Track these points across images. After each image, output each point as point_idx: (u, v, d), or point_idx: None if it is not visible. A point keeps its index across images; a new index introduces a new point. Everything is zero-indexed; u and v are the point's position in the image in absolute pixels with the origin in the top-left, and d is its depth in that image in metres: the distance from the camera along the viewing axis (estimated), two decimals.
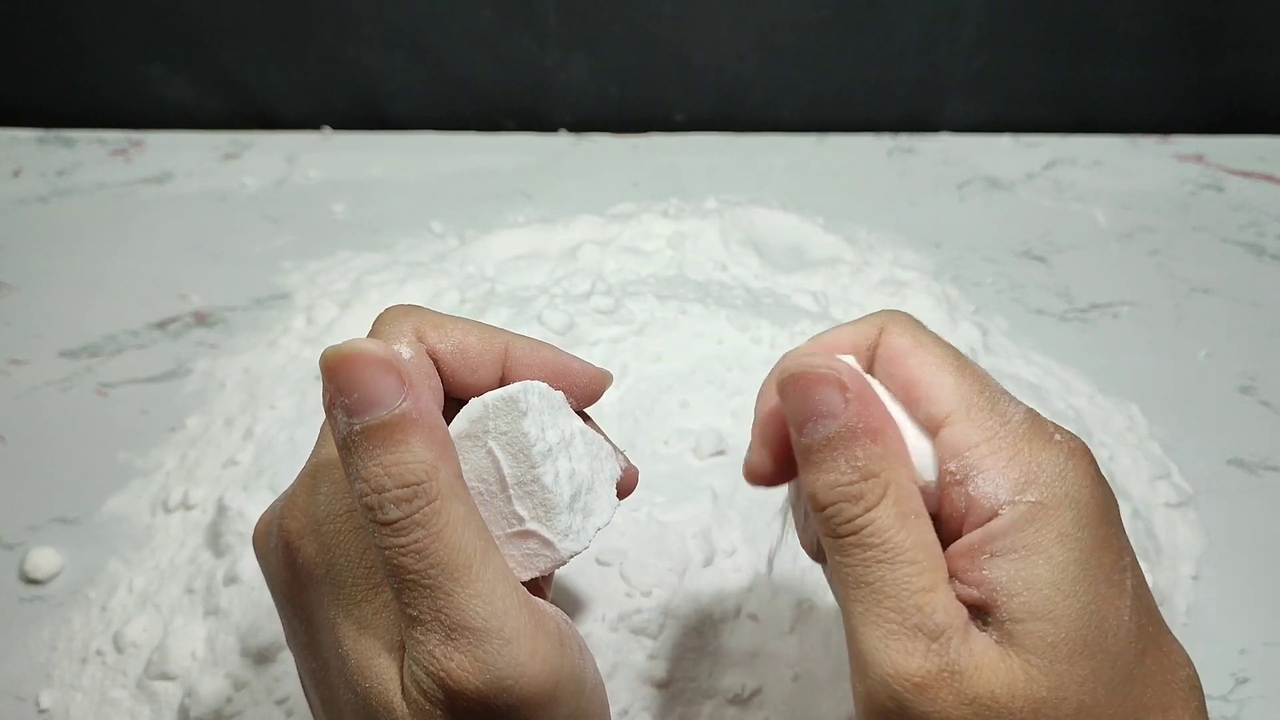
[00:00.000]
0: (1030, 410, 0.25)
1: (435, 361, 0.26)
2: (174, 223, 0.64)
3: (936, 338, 0.26)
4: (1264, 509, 0.47)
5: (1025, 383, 0.50)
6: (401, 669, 0.23)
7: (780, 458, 0.27)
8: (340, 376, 0.23)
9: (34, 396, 0.52)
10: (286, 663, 0.36)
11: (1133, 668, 0.23)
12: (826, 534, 0.24)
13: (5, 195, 0.66)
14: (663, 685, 0.34)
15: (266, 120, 0.74)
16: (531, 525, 0.25)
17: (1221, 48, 0.70)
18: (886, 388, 0.26)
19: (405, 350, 0.26)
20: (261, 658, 0.36)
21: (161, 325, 0.57)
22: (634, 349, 0.46)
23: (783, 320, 0.48)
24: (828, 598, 0.36)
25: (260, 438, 0.46)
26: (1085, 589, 0.22)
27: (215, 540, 0.42)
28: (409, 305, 0.27)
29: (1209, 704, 0.30)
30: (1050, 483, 0.23)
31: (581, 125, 0.74)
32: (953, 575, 0.23)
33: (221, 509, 0.42)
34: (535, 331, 0.46)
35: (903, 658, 0.22)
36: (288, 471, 0.43)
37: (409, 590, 0.22)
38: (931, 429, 0.25)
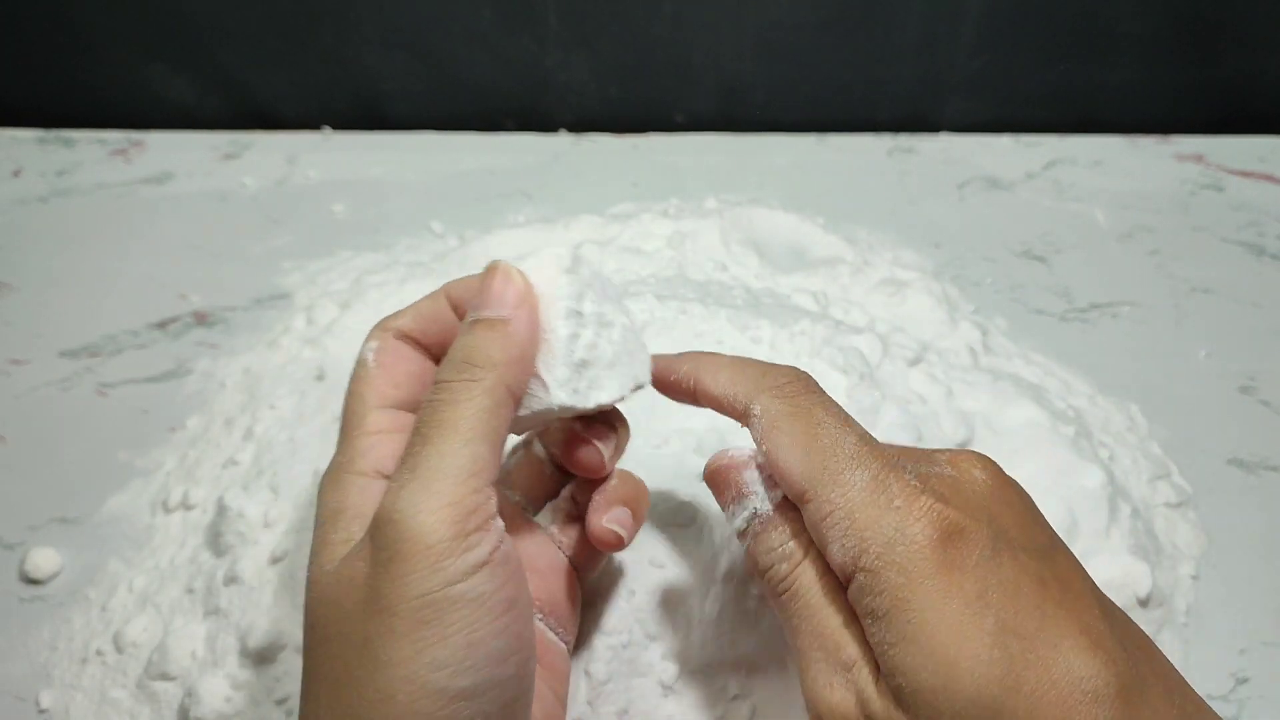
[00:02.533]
0: (876, 479, 0.26)
1: (409, 336, 0.31)
2: (174, 223, 0.64)
3: (786, 410, 0.28)
4: (1264, 509, 0.46)
5: (1025, 383, 0.50)
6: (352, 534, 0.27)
7: None
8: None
9: (34, 396, 0.52)
10: (286, 663, 0.36)
11: (1007, 700, 0.23)
12: (770, 592, 0.28)
13: (5, 195, 0.66)
14: (668, 688, 0.34)
15: (266, 120, 0.74)
16: (536, 367, 0.28)
17: (1221, 48, 0.70)
18: None
19: (372, 344, 0.31)
20: (261, 658, 0.36)
21: (161, 325, 0.57)
22: None
23: (783, 320, 0.48)
24: None
25: (260, 438, 0.46)
26: (934, 642, 0.24)
27: (215, 540, 0.42)
28: (383, 320, 0.32)
29: (1211, 704, 0.30)
30: (880, 554, 0.25)
31: (581, 125, 0.74)
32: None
33: (221, 509, 0.42)
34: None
35: (828, 691, 0.26)
36: (288, 471, 0.43)
37: (410, 442, 0.26)
38: (802, 505, 0.28)
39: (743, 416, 0.29)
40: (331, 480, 0.28)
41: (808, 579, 0.27)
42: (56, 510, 0.46)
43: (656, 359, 0.32)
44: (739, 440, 0.32)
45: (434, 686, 0.24)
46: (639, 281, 0.53)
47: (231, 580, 0.39)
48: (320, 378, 0.49)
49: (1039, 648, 0.24)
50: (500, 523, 0.26)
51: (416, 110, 0.74)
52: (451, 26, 0.70)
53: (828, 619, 0.26)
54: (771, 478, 0.28)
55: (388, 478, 0.27)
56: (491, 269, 0.29)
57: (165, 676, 0.38)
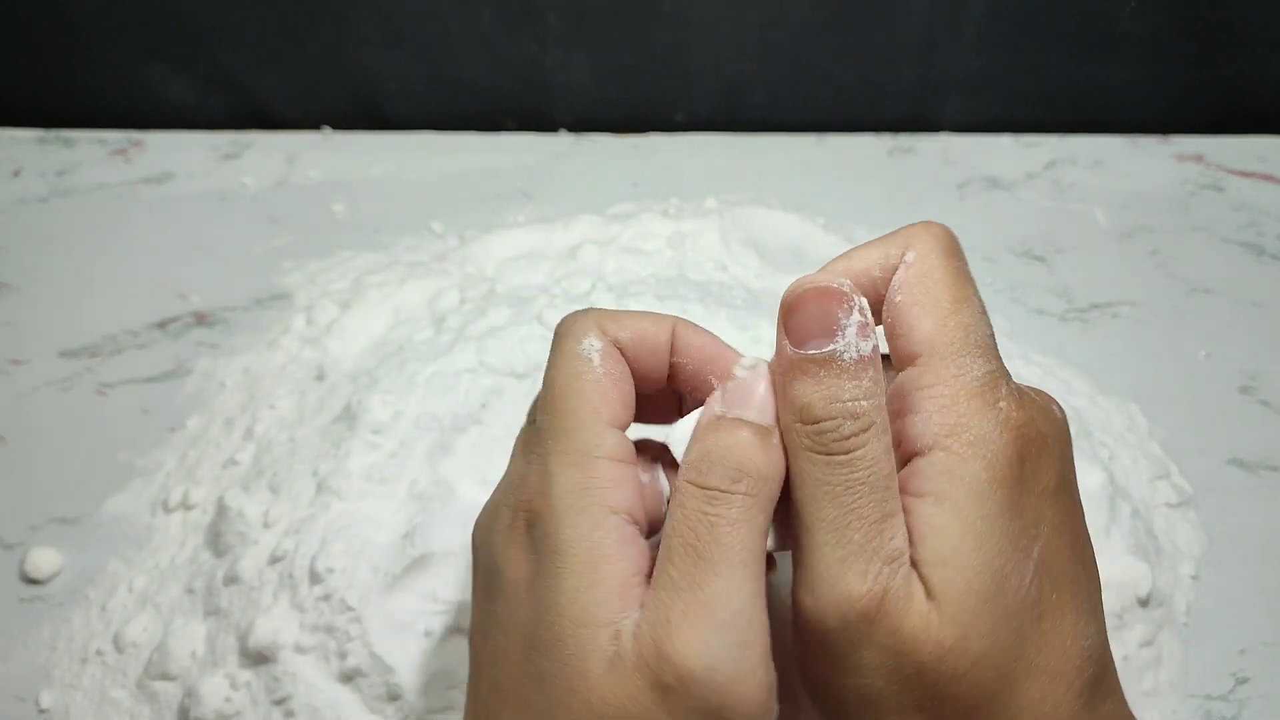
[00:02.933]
0: (993, 375, 0.25)
1: (620, 350, 0.27)
2: (174, 223, 0.64)
3: (948, 270, 0.26)
4: (1264, 509, 0.47)
5: (1026, 383, 0.50)
6: (617, 632, 0.23)
7: None
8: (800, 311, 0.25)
9: (34, 396, 0.52)
10: (286, 663, 0.36)
11: (1028, 629, 0.24)
12: (813, 448, 0.24)
13: (5, 195, 0.66)
14: None
15: (266, 120, 0.74)
16: None
17: (1221, 48, 0.70)
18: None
19: (595, 342, 0.26)
20: (261, 658, 0.36)
21: (161, 325, 0.57)
22: None
23: None
24: None
25: (260, 438, 0.46)
26: (990, 545, 0.23)
27: (215, 540, 0.42)
28: (585, 309, 0.28)
29: (1209, 704, 0.30)
30: (973, 440, 0.24)
31: (581, 125, 0.74)
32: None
33: (221, 509, 0.42)
34: (536, 332, 0.47)
35: (858, 580, 0.23)
36: (288, 471, 0.43)
37: (678, 552, 0.23)
38: (901, 366, 0.26)
39: (889, 269, 0.26)
40: (579, 511, 0.24)
41: (875, 451, 0.24)
42: (56, 510, 0.46)
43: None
44: None
45: None
46: (639, 281, 0.53)
47: (231, 580, 0.39)
48: (320, 378, 0.49)
49: (1064, 593, 0.24)
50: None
51: (416, 110, 0.73)
52: (451, 26, 0.70)
53: (885, 501, 0.24)
54: (864, 328, 0.25)
55: (636, 523, 0.25)
56: (757, 370, 0.26)
57: (165, 676, 0.38)
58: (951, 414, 0.24)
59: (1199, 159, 0.70)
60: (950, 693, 0.23)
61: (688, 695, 0.22)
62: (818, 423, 0.24)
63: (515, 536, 0.26)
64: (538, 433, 0.26)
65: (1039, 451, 0.25)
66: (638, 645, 0.22)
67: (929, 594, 0.23)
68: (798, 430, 0.25)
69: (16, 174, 0.68)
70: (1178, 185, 0.67)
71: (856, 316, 0.24)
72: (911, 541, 0.24)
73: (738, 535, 0.23)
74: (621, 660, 0.23)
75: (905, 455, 0.25)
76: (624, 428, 0.26)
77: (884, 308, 0.26)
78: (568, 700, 0.23)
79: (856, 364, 0.24)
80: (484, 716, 0.25)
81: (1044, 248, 0.62)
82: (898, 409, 0.25)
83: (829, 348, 0.24)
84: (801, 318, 0.25)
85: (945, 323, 0.25)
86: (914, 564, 0.24)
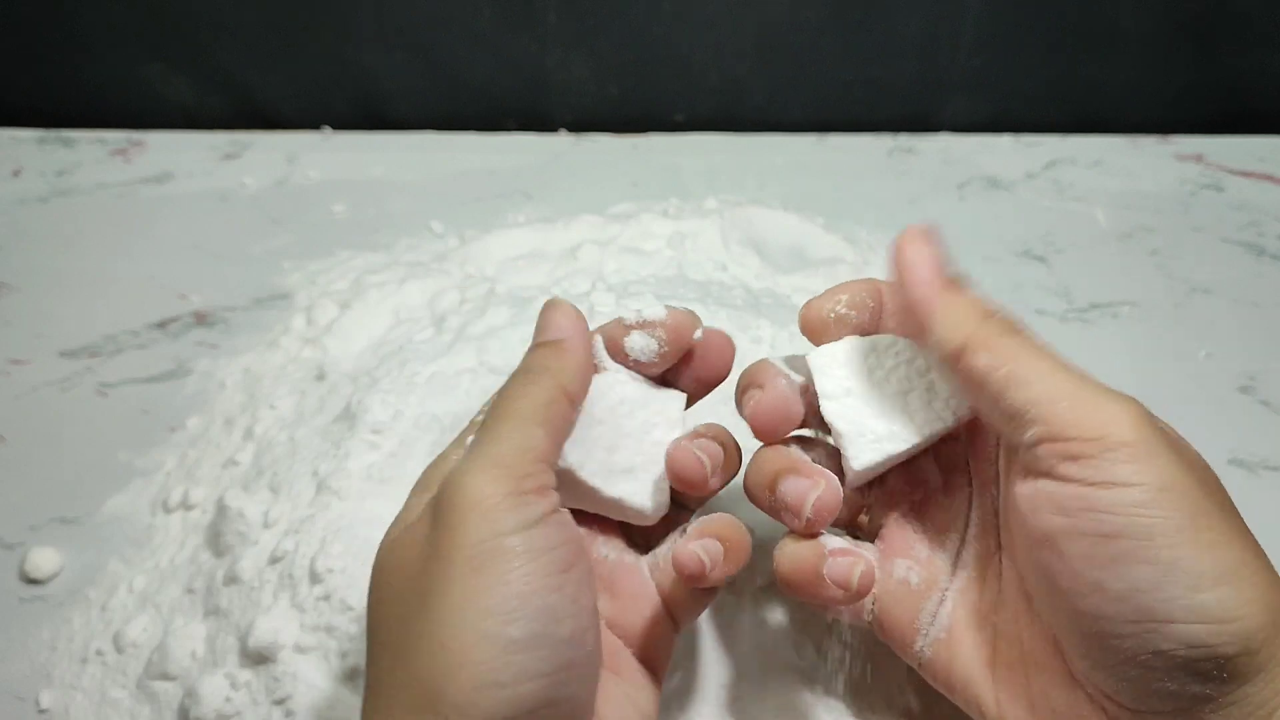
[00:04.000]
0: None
1: None
2: (174, 223, 0.64)
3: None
4: (1264, 509, 0.46)
5: None
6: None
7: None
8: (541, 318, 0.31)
9: (34, 396, 0.52)
10: (286, 663, 0.36)
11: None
12: (996, 333, 0.28)
13: (5, 195, 0.66)
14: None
15: (266, 120, 0.74)
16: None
17: (1221, 48, 0.70)
18: None
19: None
20: (261, 658, 0.36)
21: (161, 325, 0.57)
22: None
23: (783, 320, 0.48)
24: None
25: (260, 438, 0.46)
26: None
27: (215, 540, 0.42)
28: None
29: None
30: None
31: (581, 125, 0.74)
32: None
33: (221, 509, 0.42)
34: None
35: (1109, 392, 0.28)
36: (288, 471, 0.43)
37: (478, 431, 0.28)
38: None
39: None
40: (433, 462, 0.30)
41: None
42: (56, 510, 0.46)
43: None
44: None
45: (485, 632, 0.24)
46: (639, 281, 0.53)
47: (231, 580, 0.39)
48: (320, 378, 0.49)
49: None
50: (557, 497, 0.27)
51: (416, 110, 0.74)
52: (451, 26, 0.70)
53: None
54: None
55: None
56: (548, 305, 0.31)
57: (165, 676, 0.38)
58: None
59: (1199, 159, 0.70)
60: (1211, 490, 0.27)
61: (441, 504, 0.26)
62: (991, 313, 0.29)
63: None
64: None
65: None
66: (436, 491, 0.27)
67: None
68: (979, 323, 0.29)
69: (16, 174, 0.68)
70: (1178, 185, 0.67)
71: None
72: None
73: (510, 404, 0.28)
74: (423, 508, 0.28)
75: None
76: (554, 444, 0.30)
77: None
78: (378, 555, 0.28)
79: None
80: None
81: (1044, 248, 0.62)
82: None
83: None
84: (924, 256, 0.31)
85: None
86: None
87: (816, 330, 0.32)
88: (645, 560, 0.32)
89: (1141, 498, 0.25)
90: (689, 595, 0.31)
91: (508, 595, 0.24)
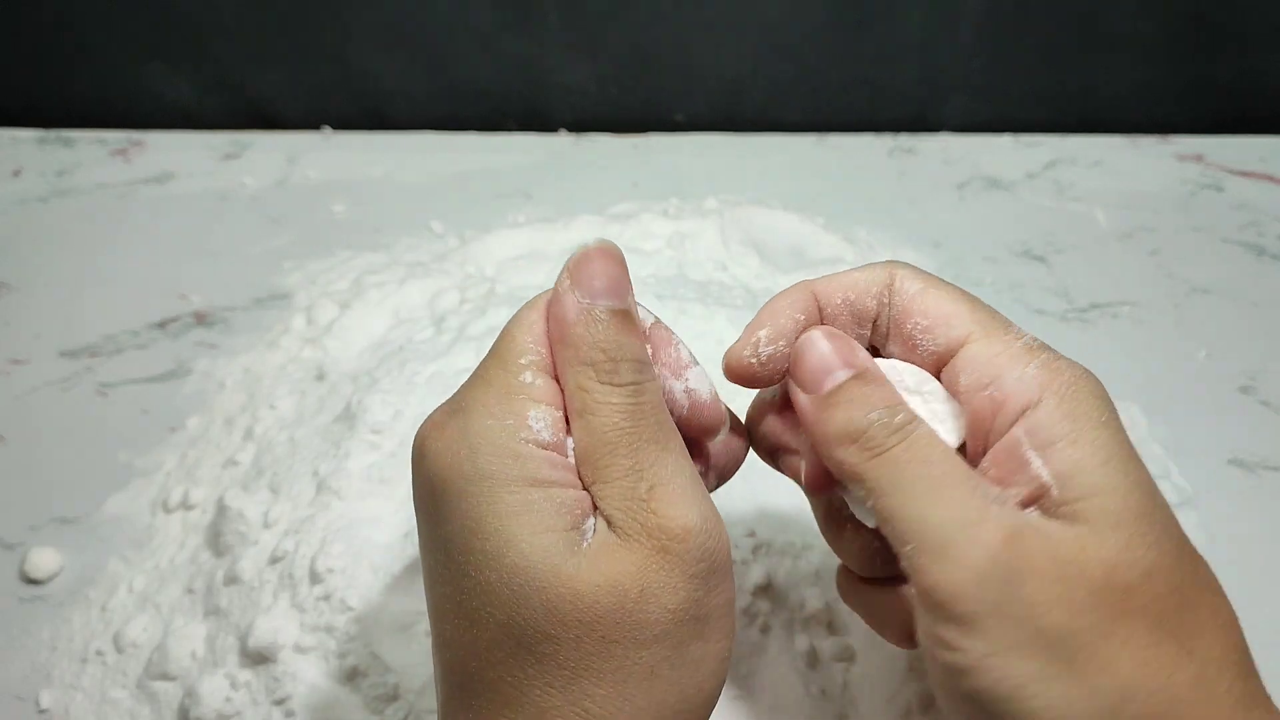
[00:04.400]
0: (1033, 339, 0.27)
1: None
2: (174, 223, 0.64)
3: (943, 280, 0.28)
4: (1264, 509, 0.46)
5: None
6: (570, 536, 0.24)
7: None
8: (589, 266, 0.26)
9: (34, 396, 0.52)
10: (286, 663, 0.36)
11: (1183, 538, 0.24)
12: (867, 454, 0.25)
13: (5, 195, 0.66)
14: None
15: (266, 120, 0.74)
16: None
17: (1221, 48, 0.70)
18: (907, 363, 0.28)
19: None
20: (261, 658, 0.36)
21: (161, 325, 0.57)
22: None
23: None
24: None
25: (260, 438, 0.46)
26: (1132, 465, 0.24)
27: (215, 540, 0.42)
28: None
29: None
30: (1072, 381, 0.25)
31: (581, 125, 0.74)
32: (998, 481, 0.25)
33: (221, 509, 0.42)
34: None
35: (979, 522, 0.23)
36: (288, 471, 0.43)
37: (632, 444, 0.25)
38: (951, 351, 0.27)
39: (879, 290, 0.29)
40: (505, 436, 0.25)
41: (925, 428, 0.25)
42: (56, 510, 0.46)
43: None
44: None
45: (722, 676, 0.26)
46: (639, 281, 0.53)
47: (231, 580, 0.39)
48: (320, 378, 0.49)
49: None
50: None
51: (416, 110, 0.74)
52: (451, 26, 0.70)
53: (959, 464, 0.25)
54: (874, 346, 0.28)
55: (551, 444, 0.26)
56: (594, 253, 0.27)
57: (165, 676, 0.38)
58: (1037, 368, 0.25)
59: (1199, 159, 0.70)
60: (1128, 609, 0.23)
61: (691, 548, 0.24)
62: (861, 434, 0.26)
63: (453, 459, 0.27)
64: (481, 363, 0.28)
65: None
66: (623, 526, 0.24)
67: (1083, 524, 0.23)
68: (844, 453, 0.26)
69: (16, 174, 0.68)
70: (1178, 185, 0.67)
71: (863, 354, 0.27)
72: (1052, 489, 0.24)
73: (664, 415, 0.26)
74: (600, 546, 0.24)
75: (1010, 416, 0.25)
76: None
77: (906, 319, 0.28)
78: (539, 598, 0.24)
79: (877, 379, 0.27)
80: (440, 630, 0.26)
81: (1044, 248, 0.62)
82: (977, 382, 0.26)
83: (844, 378, 0.27)
84: (812, 359, 0.27)
85: (976, 307, 0.27)
86: (1059, 505, 0.24)
87: (746, 381, 0.29)
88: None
89: (962, 663, 0.23)
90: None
91: (727, 645, 0.26)
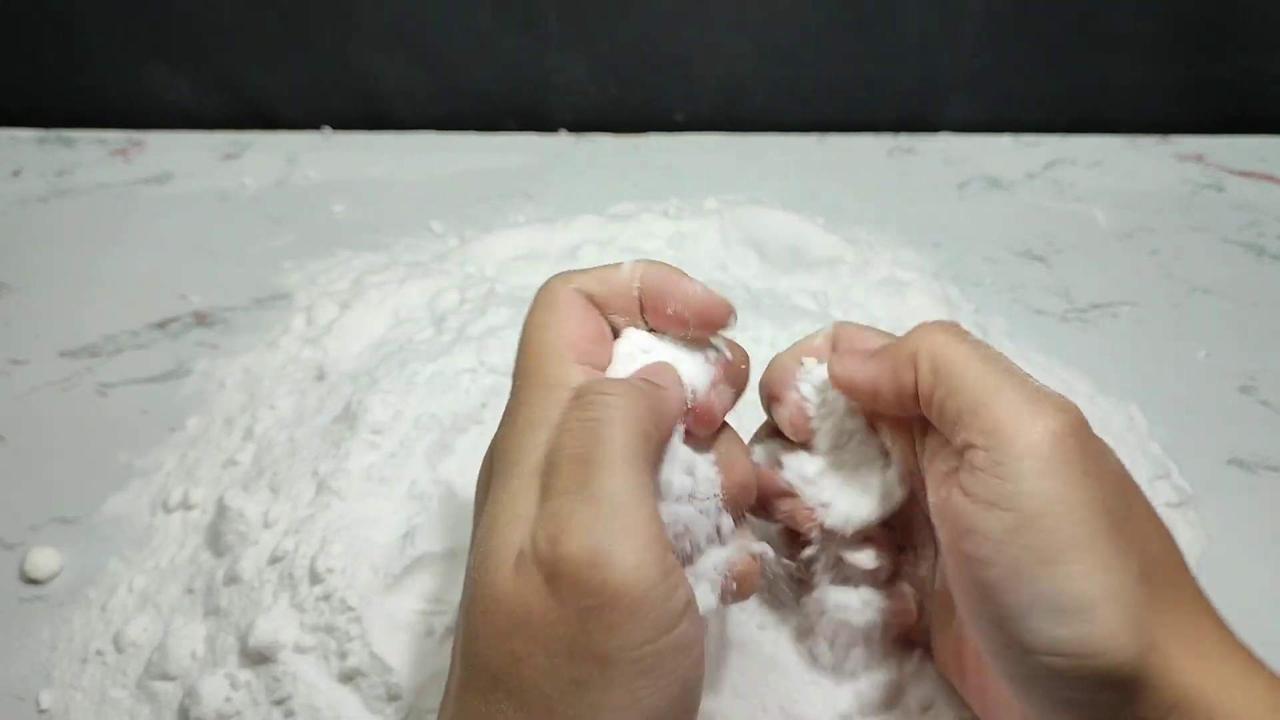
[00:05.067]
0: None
1: (590, 297, 0.30)
2: (174, 223, 0.64)
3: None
4: (1264, 509, 0.46)
5: None
6: (528, 533, 0.25)
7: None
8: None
9: (34, 396, 0.52)
10: (286, 663, 0.36)
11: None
12: (943, 341, 0.28)
13: (5, 195, 0.66)
14: None
15: (266, 120, 0.74)
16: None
17: (1221, 48, 0.70)
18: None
19: (560, 293, 0.30)
20: (261, 658, 0.36)
21: (161, 325, 0.56)
22: None
23: (783, 320, 0.48)
24: None
25: (260, 438, 0.46)
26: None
27: (215, 540, 0.42)
28: (565, 273, 0.30)
29: None
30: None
31: (581, 125, 0.74)
32: None
33: (221, 509, 0.42)
34: None
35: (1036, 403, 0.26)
36: (288, 471, 0.43)
37: (566, 463, 0.25)
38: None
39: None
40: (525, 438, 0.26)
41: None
42: (56, 510, 0.46)
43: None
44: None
45: None
46: None
47: (231, 580, 0.39)
48: (320, 378, 0.49)
49: None
50: (681, 571, 0.25)
51: (416, 110, 0.74)
52: (451, 26, 0.70)
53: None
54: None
55: None
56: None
57: (165, 676, 0.38)
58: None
59: (1199, 159, 0.70)
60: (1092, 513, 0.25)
61: (575, 580, 0.23)
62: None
63: (484, 470, 0.29)
64: (513, 381, 0.29)
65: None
66: (534, 546, 0.24)
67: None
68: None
69: (16, 174, 0.68)
70: (1178, 185, 0.67)
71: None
72: None
73: (616, 434, 0.25)
74: (523, 561, 0.24)
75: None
76: (594, 362, 0.29)
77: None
78: (481, 593, 0.25)
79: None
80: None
81: (1044, 248, 0.62)
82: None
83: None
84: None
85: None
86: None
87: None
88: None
89: (1012, 523, 0.24)
90: None
91: (671, 696, 0.24)
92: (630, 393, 0.26)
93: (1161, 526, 0.27)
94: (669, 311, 0.30)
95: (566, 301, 0.29)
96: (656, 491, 0.26)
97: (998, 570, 0.24)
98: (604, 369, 0.29)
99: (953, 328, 0.28)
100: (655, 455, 0.27)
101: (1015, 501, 0.24)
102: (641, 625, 0.23)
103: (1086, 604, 0.24)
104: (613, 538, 0.23)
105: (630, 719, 0.23)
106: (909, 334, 0.29)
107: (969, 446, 0.26)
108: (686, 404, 0.29)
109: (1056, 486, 0.24)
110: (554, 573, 0.23)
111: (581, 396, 0.26)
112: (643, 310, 0.30)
